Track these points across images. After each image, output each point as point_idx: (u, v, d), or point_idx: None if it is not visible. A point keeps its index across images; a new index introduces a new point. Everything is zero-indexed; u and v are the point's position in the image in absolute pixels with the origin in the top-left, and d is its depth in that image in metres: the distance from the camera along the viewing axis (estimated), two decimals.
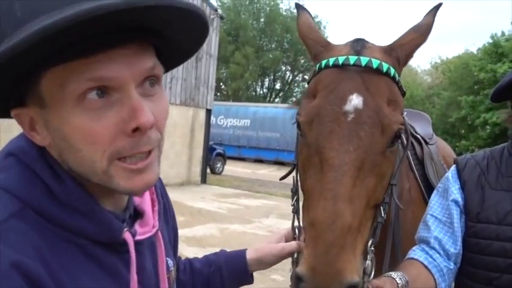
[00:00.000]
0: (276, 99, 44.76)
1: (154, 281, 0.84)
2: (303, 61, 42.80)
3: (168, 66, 0.80)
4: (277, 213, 9.54)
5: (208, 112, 14.07)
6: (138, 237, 0.77)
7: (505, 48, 20.60)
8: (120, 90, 0.66)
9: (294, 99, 45.73)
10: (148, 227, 0.82)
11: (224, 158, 16.89)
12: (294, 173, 1.31)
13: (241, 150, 24.41)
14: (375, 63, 1.15)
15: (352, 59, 1.15)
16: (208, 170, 14.90)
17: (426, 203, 1.87)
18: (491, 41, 22.16)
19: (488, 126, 21.16)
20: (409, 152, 1.86)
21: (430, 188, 2.01)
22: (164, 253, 0.86)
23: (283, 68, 45.12)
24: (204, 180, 13.71)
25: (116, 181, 0.69)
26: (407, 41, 1.26)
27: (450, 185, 1.48)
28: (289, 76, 45.82)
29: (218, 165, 16.46)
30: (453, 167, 1.53)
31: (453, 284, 1.50)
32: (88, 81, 0.63)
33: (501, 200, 1.36)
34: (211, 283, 1.12)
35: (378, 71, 1.15)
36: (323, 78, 1.18)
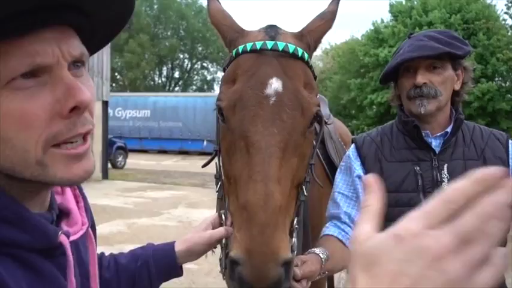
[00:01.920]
0: (176, 88, 43.90)
1: (86, 280, 0.81)
2: (200, 48, 42.44)
3: (93, 48, 0.76)
4: (186, 203, 9.47)
5: (105, 104, 13.34)
6: (71, 238, 0.73)
7: (384, 34, 22.59)
8: (51, 71, 0.62)
9: (194, 87, 45.32)
10: (77, 226, 0.77)
11: (126, 151, 16.20)
12: (216, 160, 1.32)
13: (143, 142, 23.62)
14: (291, 48, 1.19)
15: (270, 44, 1.18)
16: (109, 165, 14.19)
17: (329, 179, 2.03)
18: (372, 27, 24.15)
19: (374, 106, 23.18)
20: None
21: (331, 165, 2.17)
22: (96, 251, 0.83)
23: (181, 56, 44.35)
24: (105, 175, 13.04)
25: (52, 172, 0.63)
26: (314, 28, 1.32)
27: (352, 162, 1.62)
28: (187, 64, 45.19)
29: (120, 159, 15.75)
30: (352, 146, 1.67)
31: None
32: (21, 61, 0.59)
33: (396, 170, 1.52)
34: (139, 278, 1.08)
35: (294, 55, 1.19)
36: (242, 63, 1.20)
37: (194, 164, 18.56)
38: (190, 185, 12.18)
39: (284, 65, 1.18)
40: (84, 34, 0.69)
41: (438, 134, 1.52)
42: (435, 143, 1.52)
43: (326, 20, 1.34)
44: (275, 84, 1.14)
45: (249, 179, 1.07)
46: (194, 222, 7.52)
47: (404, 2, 22.82)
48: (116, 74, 37.88)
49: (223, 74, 1.30)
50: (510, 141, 1.53)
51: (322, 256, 1.25)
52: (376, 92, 22.73)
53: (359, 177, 1.58)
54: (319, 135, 1.31)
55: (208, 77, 46.07)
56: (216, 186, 1.29)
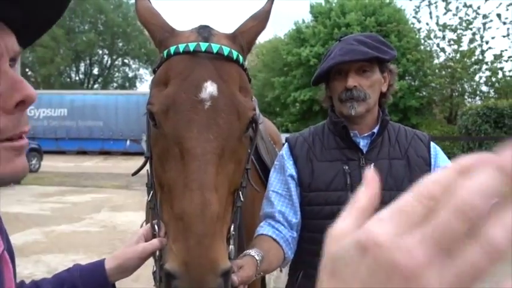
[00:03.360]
0: (95, 86, 41.76)
1: None
2: (121, 44, 40.77)
3: (24, 42, 0.70)
4: (109, 206, 9.05)
5: None
6: None
7: (306, 34, 23.37)
8: None
9: (115, 85, 43.45)
10: None
11: (40, 153, 15.06)
12: (147, 167, 1.26)
13: (59, 143, 22.16)
14: (226, 50, 1.15)
15: (204, 46, 1.14)
16: None
17: (261, 179, 2.04)
18: (294, 27, 24.87)
19: (297, 104, 23.90)
20: None
21: (263, 165, 2.18)
22: (13, 278, 0.74)
23: (100, 52, 42.26)
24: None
25: None
26: (247, 29, 1.29)
27: (285, 162, 1.64)
28: (107, 60, 43.17)
29: (33, 161, 14.61)
30: (286, 145, 1.70)
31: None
32: None
33: (326, 169, 1.57)
34: None
35: (229, 58, 1.16)
36: (174, 65, 1.14)
37: (117, 164, 17.81)
38: (113, 187, 11.66)
39: (219, 68, 1.14)
40: (16, 31, 0.65)
41: (365, 134, 1.59)
42: (363, 143, 1.59)
43: (259, 21, 1.32)
44: (210, 88, 1.10)
45: (184, 188, 1.02)
46: (119, 226, 7.21)
47: (323, 4, 23.77)
48: (27, 70, 35.05)
49: (153, 75, 1.23)
50: (432, 142, 1.63)
51: (257, 258, 1.25)
52: (299, 89, 23.47)
53: (291, 176, 1.60)
54: (254, 140, 1.29)
55: (130, 74, 44.45)
56: (148, 195, 1.22)
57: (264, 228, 1.52)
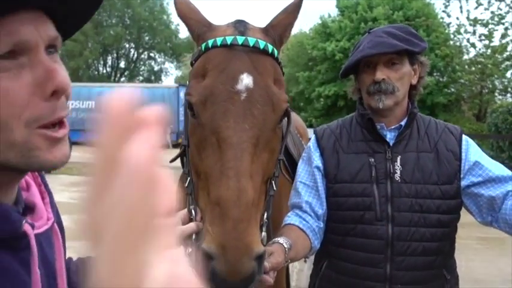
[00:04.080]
0: (122, 79, 42.51)
1: (53, 280, 0.77)
2: (147, 38, 41.33)
3: (65, 33, 0.73)
4: None
5: None
6: (36, 231, 0.70)
7: (331, 28, 23.12)
8: (30, 53, 0.61)
9: (141, 78, 44.10)
10: (42, 220, 0.74)
11: (69, 143, 15.49)
12: (183, 156, 1.30)
13: (87, 135, 22.69)
14: (262, 44, 1.20)
15: (240, 39, 1.18)
16: None
17: (288, 172, 2.07)
18: (320, 22, 24.64)
19: (322, 99, 23.72)
20: None
21: (290, 157, 2.21)
22: (62, 248, 0.79)
23: (127, 46, 42.95)
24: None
25: (36, 153, 0.63)
26: (278, 22, 1.33)
27: (312, 153, 1.66)
28: (133, 54, 43.85)
29: None
30: (313, 137, 1.73)
31: None
32: (1, 40, 0.58)
33: (352, 161, 1.58)
34: None
35: (264, 51, 1.20)
36: (212, 58, 1.19)
37: None
38: None
39: (254, 61, 1.18)
40: (56, 20, 0.68)
41: (393, 127, 1.59)
42: (390, 136, 1.59)
43: (289, 13, 1.35)
44: (246, 80, 1.15)
45: (221, 175, 1.07)
46: None
47: None
48: None
49: (190, 68, 1.29)
50: (464, 135, 1.61)
51: (285, 246, 1.29)
52: (323, 85, 23.27)
53: (317, 167, 1.63)
54: (287, 131, 1.33)
55: (156, 68, 45.02)
56: (185, 182, 1.27)
57: (291, 218, 1.56)
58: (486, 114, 17.49)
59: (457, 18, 20.24)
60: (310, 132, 3.65)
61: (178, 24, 40.49)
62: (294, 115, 2.88)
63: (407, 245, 1.49)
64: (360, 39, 1.66)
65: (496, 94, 20.35)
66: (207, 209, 1.11)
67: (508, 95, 20.08)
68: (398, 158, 1.54)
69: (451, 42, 20.50)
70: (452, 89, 20.99)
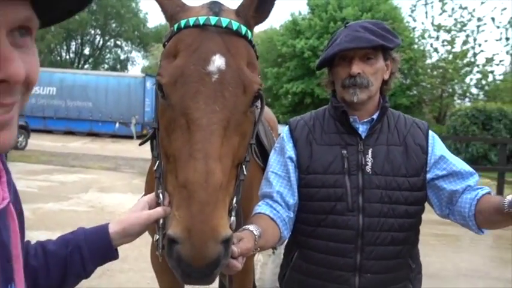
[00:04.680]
0: (86, 66, 41.20)
1: (7, 262, 0.73)
2: (114, 25, 40.21)
3: (51, 19, 0.69)
4: (97, 187, 9.00)
5: None
6: None
7: (301, 26, 23.33)
8: None
9: (106, 66, 42.92)
10: None
11: (27, 130, 14.88)
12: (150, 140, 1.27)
13: (47, 122, 21.87)
14: (235, 25, 1.18)
15: (213, 20, 1.16)
16: None
17: (259, 161, 2.07)
18: (290, 19, 24.78)
19: (289, 96, 23.93)
20: None
21: (262, 148, 2.21)
22: (19, 230, 0.75)
23: (92, 32, 41.62)
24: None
25: None
26: (249, 3, 1.27)
27: (285, 144, 1.66)
28: (99, 41, 42.57)
29: (20, 139, 14.40)
30: (287, 128, 1.73)
31: None
32: None
33: (325, 153, 1.59)
34: (70, 264, 1.01)
35: (237, 32, 1.18)
36: (184, 38, 1.16)
37: (105, 146, 17.67)
38: (101, 169, 11.59)
39: (227, 42, 1.16)
40: (42, 2, 0.62)
41: (365, 120, 1.62)
42: (362, 129, 1.61)
43: None
44: (218, 61, 1.12)
45: (189, 157, 1.05)
46: (107, 207, 7.19)
47: None
48: None
49: (163, 49, 1.25)
50: (431, 131, 1.66)
51: (255, 233, 1.27)
52: (291, 81, 23.45)
53: (290, 158, 1.63)
54: (261, 115, 1.31)
55: (122, 56, 43.90)
56: (154, 165, 1.24)
57: (261, 207, 1.55)
58: (445, 117, 18.16)
59: (422, 23, 20.89)
60: (280, 128, 3.67)
61: (147, 13, 39.65)
62: (265, 107, 2.89)
63: (377, 235, 1.52)
64: (336, 33, 1.67)
65: (456, 98, 21.20)
66: (175, 193, 1.08)
67: (467, 99, 20.95)
68: (370, 151, 1.57)
69: (416, 46, 21.16)
70: (415, 92, 21.69)
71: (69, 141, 18.81)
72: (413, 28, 21.39)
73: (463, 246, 6.16)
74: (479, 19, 19.03)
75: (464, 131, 15.21)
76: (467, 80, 20.33)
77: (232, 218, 1.16)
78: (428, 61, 20.97)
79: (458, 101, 21.05)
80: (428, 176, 1.57)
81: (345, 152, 1.57)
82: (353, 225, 1.52)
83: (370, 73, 1.57)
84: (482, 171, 10.83)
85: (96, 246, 1.04)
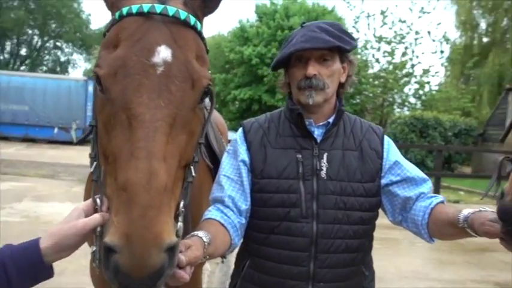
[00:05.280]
0: (22, 67, 38.87)
1: None
2: (54, 26, 38.27)
3: None
4: (32, 195, 8.41)
5: None
6: None
7: (249, 33, 23.47)
8: None
9: (45, 68, 40.77)
10: None
11: None
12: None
13: None
14: (183, 14, 1.09)
15: (159, 8, 1.06)
16: None
17: (209, 166, 1.97)
18: (239, 25, 24.87)
19: (237, 102, 23.95)
20: None
21: (212, 152, 2.12)
22: None
23: (30, 32, 39.37)
24: None
25: None
26: None
27: (238, 147, 1.59)
28: (37, 41, 40.35)
29: None
30: (240, 130, 1.64)
31: None
32: None
33: (279, 157, 1.53)
34: None
35: (185, 23, 1.09)
36: (126, 26, 1.05)
37: (42, 153, 16.68)
38: (37, 176, 10.89)
39: (175, 33, 1.07)
40: None
41: (321, 124, 1.57)
42: (318, 132, 1.57)
43: None
44: (164, 53, 1.03)
45: (130, 156, 0.95)
46: (43, 217, 6.73)
47: (269, 5, 24.02)
48: None
49: (103, 39, 1.13)
50: (386, 136, 1.65)
51: (205, 240, 1.18)
52: (239, 88, 23.49)
53: (243, 161, 1.55)
54: (211, 111, 1.24)
55: (62, 58, 41.83)
56: (91, 167, 1.11)
57: (212, 213, 1.47)
58: (386, 125, 18.95)
59: (365, 35, 21.63)
60: (229, 134, 3.59)
61: (89, 14, 38.15)
62: (214, 111, 2.81)
63: (331, 242, 1.48)
64: (292, 33, 1.63)
65: (396, 107, 22.18)
66: (114, 197, 0.97)
67: (405, 108, 21.99)
68: (325, 155, 1.53)
69: (359, 56, 21.96)
70: (358, 100, 22.46)
71: (1, 147, 17.56)
72: (357, 39, 22.17)
73: (404, 249, 6.39)
74: (416, 32, 20.09)
75: (403, 138, 15.94)
76: (406, 89, 21.37)
77: (179, 224, 1.05)
78: (371, 71, 21.82)
79: (398, 110, 22.06)
80: (383, 181, 1.56)
81: (300, 156, 1.52)
82: (307, 233, 1.47)
83: (326, 75, 1.53)
84: None
85: (24, 265, 0.91)
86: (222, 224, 1.42)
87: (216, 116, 2.77)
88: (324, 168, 1.51)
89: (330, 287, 1.49)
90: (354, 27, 21.73)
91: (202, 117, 1.19)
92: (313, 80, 1.50)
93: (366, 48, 21.71)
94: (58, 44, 40.42)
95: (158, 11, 1.06)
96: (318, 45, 1.49)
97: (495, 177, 1.31)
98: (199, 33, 1.15)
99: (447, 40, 20.28)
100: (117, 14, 1.09)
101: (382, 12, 20.47)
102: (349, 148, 1.56)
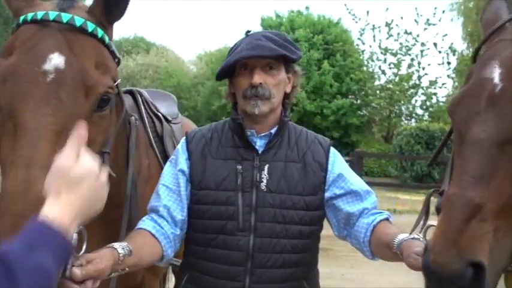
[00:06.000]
0: None
1: None
2: None
3: None
4: None
5: None
6: None
7: None
8: None
9: None
10: None
11: None
12: None
13: None
14: (78, 21, 1.09)
15: (52, 15, 1.08)
16: None
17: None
18: None
19: None
20: (149, 129, 1.89)
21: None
22: None
23: None
24: None
25: None
26: (97, 1, 1.20)
27: (179, 156, 1.56)
28: None
29: None
30: (183, 139, 1.62)
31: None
32: None
33: (219, 167, 1.50)
34: None
35: (83, 30, 1.10)
36: (20, 34, 1.08)
37: None
38: None
39: (70, 40, 1.08)
40: None
41: (263, 134, 1.54)
42: (260, 143, 1.54)
43: None
44: (56, 60, 1.04)
45: (11, 165, 0.95)
46: None
47: (274, 18, 24.18)
48: None
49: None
50: (332, 148, 1.61)
51: (120, 251, 1.16)
52: None
53: (182, 171, 1.53)
54: (119, 121, 1.24)
55: None
56: None
57: (145, 223, 1.45)
58: (393, 136, 18.80)
59: (370, 46, 21.57)
60: None
61: None
62: (186, 121, 2.76)
63: (268, 257, 1.43)
64: (237, 42, 1.61)
65: (403, 118, 22.03)
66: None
67: (413, 120, 21.83)
68: (266, 167, 1.49)
69: (365, 68, 21.91)
70: (365, 111, 22.36)
71: None
72: (363, 51, 22.15)
73: (399, 264, 6.24)
74: (422, 44, 20.02)
75: (409, 150, 15.76)
76: (413, 101, 21.22)
77: (75, 236, 1.02)
78: (377, 82, 21.75)
79: (405, 121, 21.89)
80: (327, 194, 1.52)
81: (240, 167, 1.49)
82: (243, 246, 1.43)
83: (272, 84, 1.50)
84: (427, 189, 11.22)
85: None
86: (154, 235, 1.40)
87: (187, 124, 2.72)
88: (264, 180, 1.47)
89: None
90: (359, 39, 21.78)
91: (106, 126, 1.18)
92: (259, 89, 1.48)
93: (372, 60, 21.69)
94: None
95: (52, 17, 1.08)
96: (264, 53, 1.47)
97: (423, 212, 1.24)
98: (102, 41, 1.15)
99: (454, 51, 20.13)
100: (15, 22, 1.12)
101: (388, 24, 20.47)
102: (292, 160, 1.52)
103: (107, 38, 1.17)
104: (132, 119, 1.69)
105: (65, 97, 1.03)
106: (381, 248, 1.39)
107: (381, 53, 20.94)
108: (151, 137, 1.91)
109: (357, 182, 1.54)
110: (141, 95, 2.06)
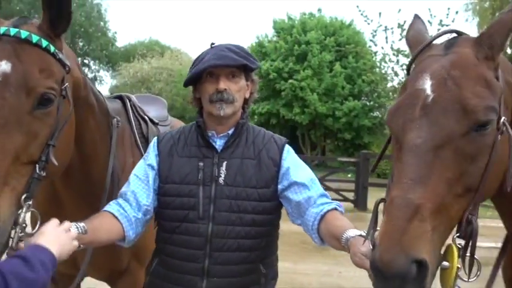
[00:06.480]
0: None
1: None
2: (81, 44, 39.86)
3: None
4: None
5: None
6: None
7: (267, 48, 23.77)
8: None
9: None
10: None
11: None
12: None
13: None
14: (24, 34, 1.35)
15: (2, 30, 1.34)
16: None
17: None
18: (257, 41, 25.25)
19: (255, 116, 24.13)
20: (136, 130, 2.10)
21: None
22: None
23: None
24: None
25: None
26: (45, 18, 1.44)
27: (150, 152, 1.80)
28: None
29: None
30: (155, 139, 1.86)
31: None
32: None
33: (184, 164, 1.72)
34: None
35: (28, 41, 1.35)
36: None
37: None
38: None
39: (18, 50, 1.33)
40: None
41: (222, 135, 1.75)
42: (219, 143, 1.75)
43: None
44: (3, 66, 1.29)
45: None
46: None
47: (286, 20, 24.31)
48: None
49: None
50: (287, 146, 1.80)
51: (73, 230, 1.37)
52: (257, 102, 23.69)
53: (151, 166, 1.75)
54: (69, 117, 1.46)
55: (90, 75, 43.40)
56: None
57: (110, 206, 1.66)
58: None
59: (383, 48, 21.44)
60: None
61: (115, 32, 39.62)
62: (177, 123, 2.95)
63: (224, 241, 1.64)
64: (202, 53, 1.79)
65: None
66: None
67: None
68: (224, 163, 1.70)
69: (377, 70, 21.81)
70: (377, 113, 22.26)
71: None
72: (375, 52, 22.04)
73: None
74: None
75: None
76: None
77: (23, 214, 1.27)
78: (390, 84, 21.63)
79: None
80: (279, 187, 1.71)
81: (202, 164, 1.69)
82: (203, 233, 1.64)
83: (235, 90, 1.71)
84: None
85: None
86: (115, 217, 1.61)
87: (176, 126, 2.91)
88: (222, 175, 1.67)
89: (223, 282, 1.65)
90: (371, 40, 21.70)
91: (52, 122, 1.39)
92: (224, 94, 1.68)
93: (385, 62, 21.58)
94: (85, 61, 42.01)
95: (2, 32, 1.35)
96: (229, 63, 1.68)
97: (372, 222, 1.26)
98: (47, 50, 1.39)
99: None
100: None
101: (400, 26, 20.35)
102: (248, 157, 1.72)
103: (52, 48, 1.41)
104: (114, 121, 1.89)
105: (9, 96, 1.28)
106: (330, 238, 1.54)
107: (394, 54, 20.72)
108: (137, 138, 2.12)
109: (303, 173, 1.73)
110: (129, 100, 2.27)
